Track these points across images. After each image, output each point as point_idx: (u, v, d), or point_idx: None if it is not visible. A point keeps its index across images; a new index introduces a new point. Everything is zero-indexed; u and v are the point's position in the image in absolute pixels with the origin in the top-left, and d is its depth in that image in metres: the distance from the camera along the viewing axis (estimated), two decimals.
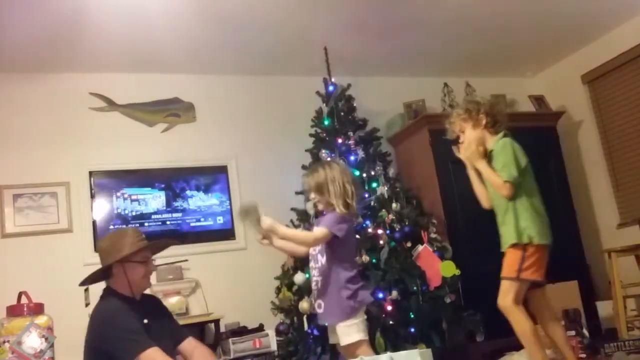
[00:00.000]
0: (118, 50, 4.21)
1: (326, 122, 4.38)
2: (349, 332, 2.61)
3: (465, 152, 2.89)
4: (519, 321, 2.65)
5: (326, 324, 2.75)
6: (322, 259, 2.71)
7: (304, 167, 4.30)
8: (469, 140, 2.88)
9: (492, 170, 2.81)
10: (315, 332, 3.86)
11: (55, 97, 4.40)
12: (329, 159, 4.00)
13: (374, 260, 3.81)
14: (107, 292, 2.44)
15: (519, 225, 2.72)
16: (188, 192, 4.59)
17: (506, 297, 2.67)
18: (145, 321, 2.35)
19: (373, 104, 4.90)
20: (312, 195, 2.77)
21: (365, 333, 2.65)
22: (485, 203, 2.98)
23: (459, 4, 4.17)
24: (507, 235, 2.77)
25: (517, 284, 2.68)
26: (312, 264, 2.79)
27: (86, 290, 2.62)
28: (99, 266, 2.47)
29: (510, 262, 2.73)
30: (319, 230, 2.68)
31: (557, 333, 2.86)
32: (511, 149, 2.77)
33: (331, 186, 2.68)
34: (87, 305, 2.70)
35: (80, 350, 3.97)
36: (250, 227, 2.73)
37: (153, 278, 2.81)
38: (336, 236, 2.64)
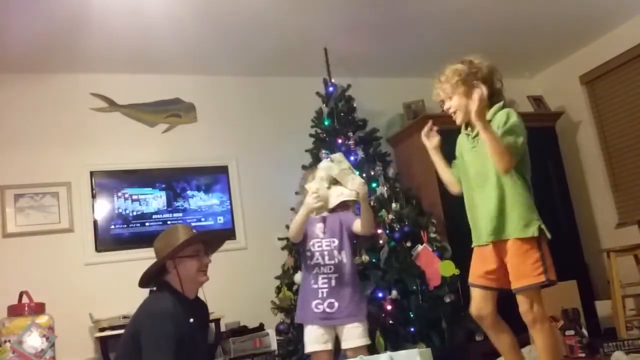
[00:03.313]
0: (119, 51, 4.22)
1: (326, 123, 4.40)
2: (364, 334, 2.65)
3: (473, 108, 2.31)
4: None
5: (334, 325, 2.69)
6: (341, 256, 2.65)
7: (304, 167, 4.31)
8: (468, 104, 2.36)
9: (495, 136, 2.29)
10: None
11: (56, 98, 4.40)
12: None
13: (374, 260, 3.82)
14: (163, 285, 2.40)
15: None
16: (189, 192, 4.60)
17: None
18: (192, 320, 2.35)
19: (373, 104, 4.90)
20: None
21: None
22: (454, 188, 2.63)
23: (459, 5, 4.19)
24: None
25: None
26: (320, 260, 2.66)
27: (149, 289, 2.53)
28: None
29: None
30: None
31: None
32: (517, 117, 2.32)
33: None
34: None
35: (80, 349, 4.00)
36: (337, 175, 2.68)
37: None
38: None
